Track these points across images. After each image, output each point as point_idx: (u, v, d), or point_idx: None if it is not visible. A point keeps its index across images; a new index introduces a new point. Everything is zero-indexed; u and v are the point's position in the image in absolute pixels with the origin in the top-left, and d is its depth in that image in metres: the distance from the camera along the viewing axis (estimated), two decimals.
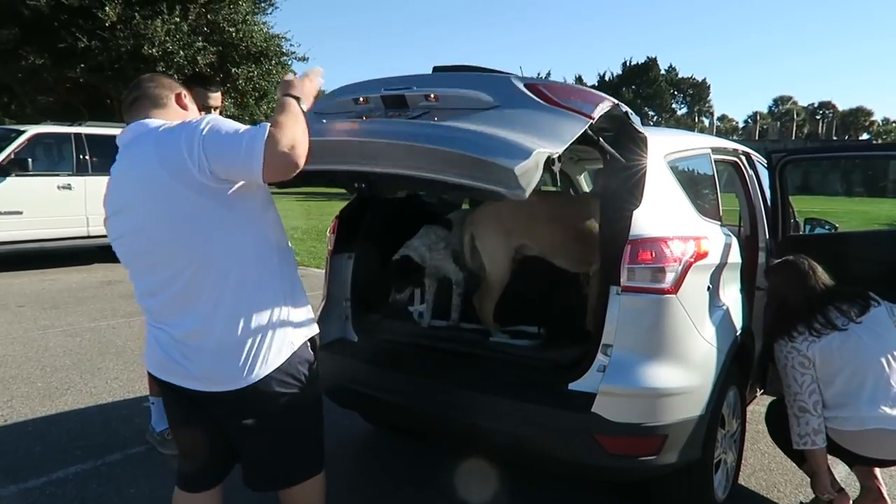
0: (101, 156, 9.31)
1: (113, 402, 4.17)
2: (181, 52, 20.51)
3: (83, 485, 3.09)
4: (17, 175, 8.53)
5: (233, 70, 23.41)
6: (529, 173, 1.93)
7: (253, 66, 24.24)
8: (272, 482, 2.01)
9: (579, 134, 2.10)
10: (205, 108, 3.38)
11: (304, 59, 27.69)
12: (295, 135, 1.72)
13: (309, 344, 1.99)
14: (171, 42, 20.29)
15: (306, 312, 2.00)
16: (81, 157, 9.24)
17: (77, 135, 9.34)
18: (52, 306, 6.90)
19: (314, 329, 2.03)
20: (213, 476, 2.09)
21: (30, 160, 8.66)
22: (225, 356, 1.81)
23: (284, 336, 1.88)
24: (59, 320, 6.30)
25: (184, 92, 2.10)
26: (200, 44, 21.08)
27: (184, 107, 2.08)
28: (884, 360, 2.74)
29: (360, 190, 2.55)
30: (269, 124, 1.72)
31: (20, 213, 8.62)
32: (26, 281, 8.25)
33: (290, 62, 28.78)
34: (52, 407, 4.06)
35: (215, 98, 3.44)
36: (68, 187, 9.06)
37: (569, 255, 3.19)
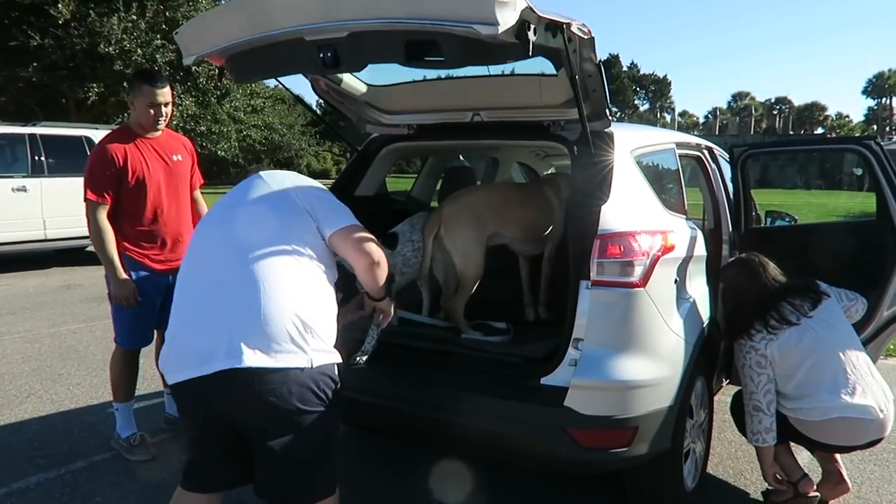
0: (56, 157, 9.07)
1: (76, 409, 4.07)
2: (139, 51, 20.02)
3: (47, 495, 3.01)
4: None
5: (193, 68, 22.97)
6: (507, 8, 1.86)
7: (214, 63, 23.83)
8: (284, 498, 1.98)
9: None
10: (153, 105, 3.24)
11: None
12: None
13: (336, 367, 1.99)
14: (129, 40, 19.78)
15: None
16: (37, 158, 8.97)
17: (31, 135, 9.06)
18: (8, 312, 6.70)
19: (338, 356, 2.01)
20: (216, 480, 2.06)
21: None
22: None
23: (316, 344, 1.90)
24: (17, 326, 6.12)
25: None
26: (159, 41, 20.59)
27: None
28: (840, 352, 2.83)
29: (325, 63, 2.23)
30: None
31: None
32: None
33: None
34: (12, 416, 3.94)
35: (163, 94, 3.27)
36: (23, 189, 8.80)
37: (532, 239, 3.25)
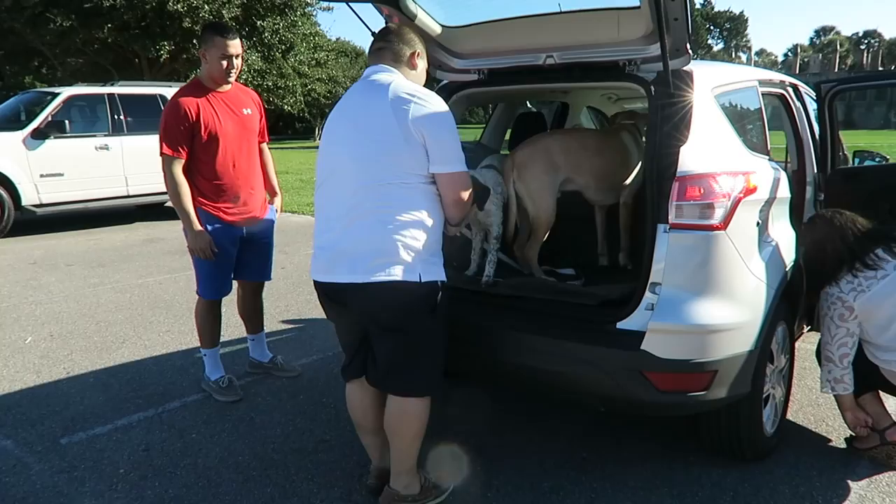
0: (135, 115, 9.42)
1: (167, 354, 4.33)
2: (206, 7, 20.38)
3: (147, 431, 3.24)
4: (55, 137, 8.69)
5: (258, 23, 23.25)
6: None
7: (278, 17, 24.03)
8: (381, 382, 2.42)
9: None
10: (225, 56, 3.29)
11: (328, 8, 27.34)
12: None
13: (432, 285, 2.30)
14: None
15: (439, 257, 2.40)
16: (116, 117, 9.33)
17: (111, 95, 9.42)
18: (99, 265, 7.10)
19: (440, 275, 2.35)
20: (359, 367, 2.50)
21: (66, 122, 8.78)
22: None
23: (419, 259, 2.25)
24: (108, 278, 6.50)
25: (418, 51, 2.46)
26: None
27: (414, 66, 2.45)
28: None
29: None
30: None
31: (61, 174, 8.82)
32: (72, 241, 8.49)
33: (314, 12, 28.44)
34: (110, 360, 4.22)
35: (234, 45, 3.31)
36: (105, 148, 9.20)
37: (606, 187, 3.21)
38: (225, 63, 3.31)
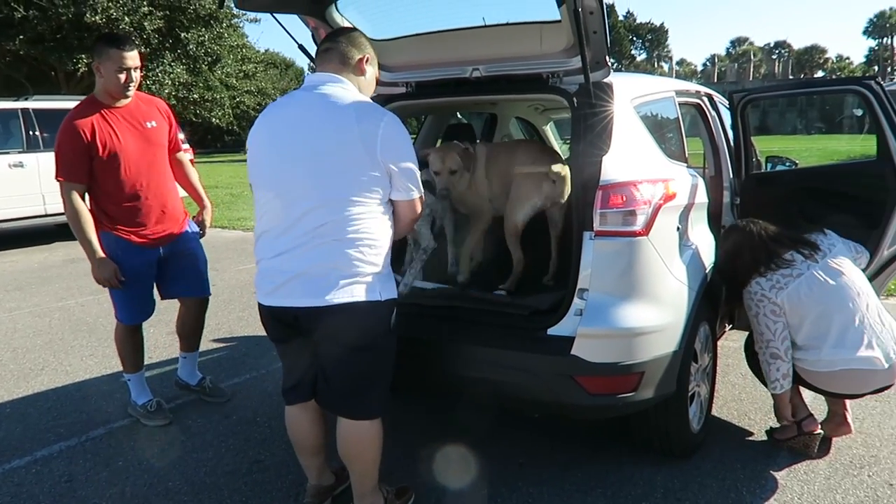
0: (52, 131, 8.99)
1: (91, 379, 4.14)
2: (126, 19, 19.71)
3: (70, 461, 3.09)
4: None
5: (182, 35, 22.66)
6: None
7: (203, 29, 23.49)
8: (338, 406, 2.36)
9: None
10: (122, 69, 3.06)
11: (255, 20, 26.91)
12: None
13: (390, 303, 2.29)
14: (115, 8, 19.47)
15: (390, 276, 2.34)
16: (31, 132, 8.91)
17: (25, 110, 8.98)
18: (15, 288, 6.75)
19: (395, 293, 2.33)
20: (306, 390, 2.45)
21: None
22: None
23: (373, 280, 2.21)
24: (25, 301, 6.18)
25: (368, 56, 2.37)
26: (146, 9, 20.26)
27: (362, 71, 2.36)
28: (849, 301, 2.83)
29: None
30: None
31: None
32: None
33: (241, 24, 27.94)
34: (28, 388, 4.01)
35: (132, 57, 3.08)
36: (20, 165, 8.76)
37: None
38: (122, 76, 3.07)
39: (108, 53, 3.05)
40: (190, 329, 3.67)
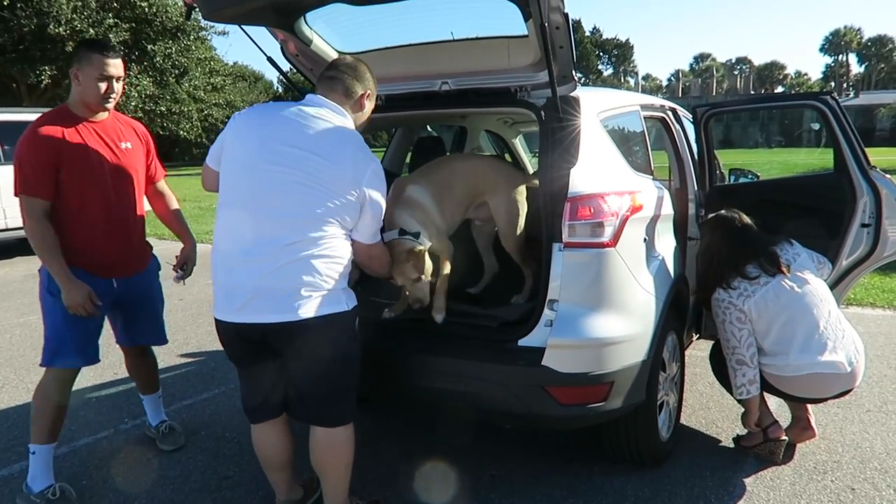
0: (13, 144, 8.78)
1: None
2: (91, 31, 19.46)
3: None
4: None
5: (149, 47, 22.42)
6: None
7: (170, 41, 23.27)
8: (312, 416, 2.37)
9: None
10: (104, 78, 2.73)
11: (223, 32, 26.72)
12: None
13: (355, 310, 2.32)
14: (80, 20, 19.20)
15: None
16: None
17: None
18: None
19: (355, 299, 2.35)
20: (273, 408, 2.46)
21: None
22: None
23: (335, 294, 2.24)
24: None
25: (369, 92, 2.43)
26: (111, 21, 20.03)
27: (362, 107, 2.42)
28: (813, 308, 2.91)
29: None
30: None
31: None
32: None
33: (209, 37, 27.72)
34: None
35: (115, 66, 2.75)
36: None
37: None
38: (104, 86, 2.74)
39: (90, 59, 2.72)
40: (144, 370, 3.34)
